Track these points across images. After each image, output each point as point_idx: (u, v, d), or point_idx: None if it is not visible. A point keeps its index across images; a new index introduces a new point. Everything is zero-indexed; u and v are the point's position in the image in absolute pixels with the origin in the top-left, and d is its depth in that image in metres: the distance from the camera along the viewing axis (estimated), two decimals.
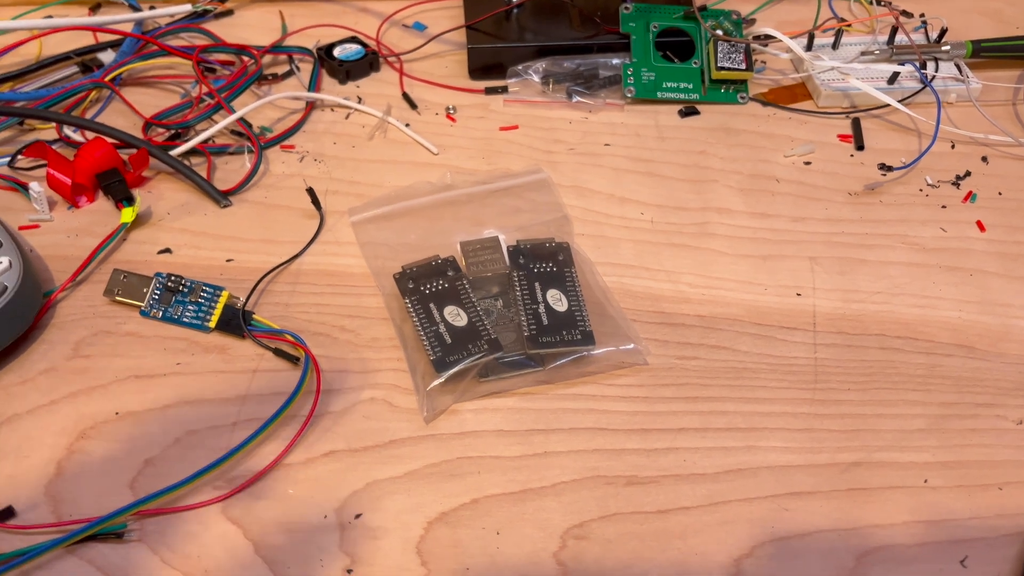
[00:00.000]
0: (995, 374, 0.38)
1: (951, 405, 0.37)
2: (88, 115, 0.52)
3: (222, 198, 0.46)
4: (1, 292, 0.38)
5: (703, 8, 0.56)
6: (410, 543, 0.32)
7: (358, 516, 0.33)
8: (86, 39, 0.56)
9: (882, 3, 0.59)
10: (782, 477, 0.34)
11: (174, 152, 0.47)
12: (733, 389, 0.38)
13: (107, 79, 0.52)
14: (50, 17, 0.57)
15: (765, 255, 0.44)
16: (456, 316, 0.38)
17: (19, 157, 0.48)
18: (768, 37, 0.55)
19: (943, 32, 0.55)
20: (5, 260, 0.39)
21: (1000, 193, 0.47)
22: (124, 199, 0.45)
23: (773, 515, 0.33)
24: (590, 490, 0.34)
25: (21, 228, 0.45)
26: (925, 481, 0.34)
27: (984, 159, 0.50)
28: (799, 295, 0.42)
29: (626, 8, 0.55)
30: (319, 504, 0.33)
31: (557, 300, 0.39)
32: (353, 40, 0.57)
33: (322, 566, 0.32)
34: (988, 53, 0.55)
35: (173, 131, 0.50)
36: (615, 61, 0.54)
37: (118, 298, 0.40)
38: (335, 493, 0.34)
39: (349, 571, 0.31)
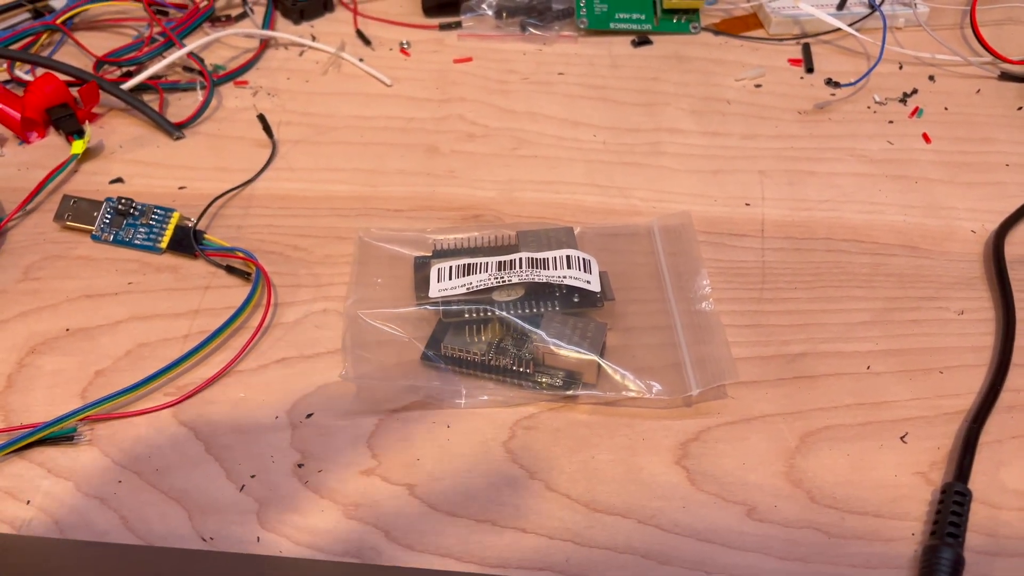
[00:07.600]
0: (938, 270, 0.39)
1: (895, 299, 0.38)
2: None
3: (174, 130, 0.46)
4: None
5: None
6: (361, 439, 0.33)
7: (309, 416, 0.33)
8: None
9: None
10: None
11: (125, 86, 0.47)
12: None
13: (59, 21, 0.52)
14: None
15: (715, 170, 0.44)
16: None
17: None
18: None
19: None
20: None
21: (946, 108, 0.48)
22: (75, 132, 0.45)
23: (719, 404, 0.34)
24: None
25: None
26: (868, 368, 0.35)
27: (931, 78, 0.50)
28: (748, 205, 0.42)
29: None
30: (270, 406, 0.34)
31: None
32: None
33: (273, 462, 0.32)
34: None
35: (125, 69, 0.50)
36: None
37: (68, 223, 0.40)
38: (286, 396, 0.34)
39: (300, 465, 0.32)
